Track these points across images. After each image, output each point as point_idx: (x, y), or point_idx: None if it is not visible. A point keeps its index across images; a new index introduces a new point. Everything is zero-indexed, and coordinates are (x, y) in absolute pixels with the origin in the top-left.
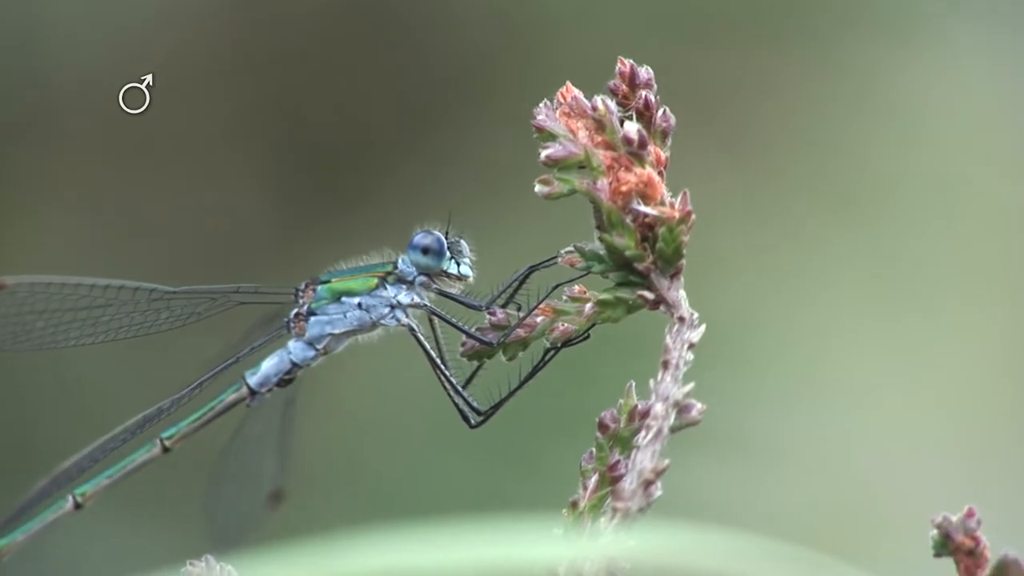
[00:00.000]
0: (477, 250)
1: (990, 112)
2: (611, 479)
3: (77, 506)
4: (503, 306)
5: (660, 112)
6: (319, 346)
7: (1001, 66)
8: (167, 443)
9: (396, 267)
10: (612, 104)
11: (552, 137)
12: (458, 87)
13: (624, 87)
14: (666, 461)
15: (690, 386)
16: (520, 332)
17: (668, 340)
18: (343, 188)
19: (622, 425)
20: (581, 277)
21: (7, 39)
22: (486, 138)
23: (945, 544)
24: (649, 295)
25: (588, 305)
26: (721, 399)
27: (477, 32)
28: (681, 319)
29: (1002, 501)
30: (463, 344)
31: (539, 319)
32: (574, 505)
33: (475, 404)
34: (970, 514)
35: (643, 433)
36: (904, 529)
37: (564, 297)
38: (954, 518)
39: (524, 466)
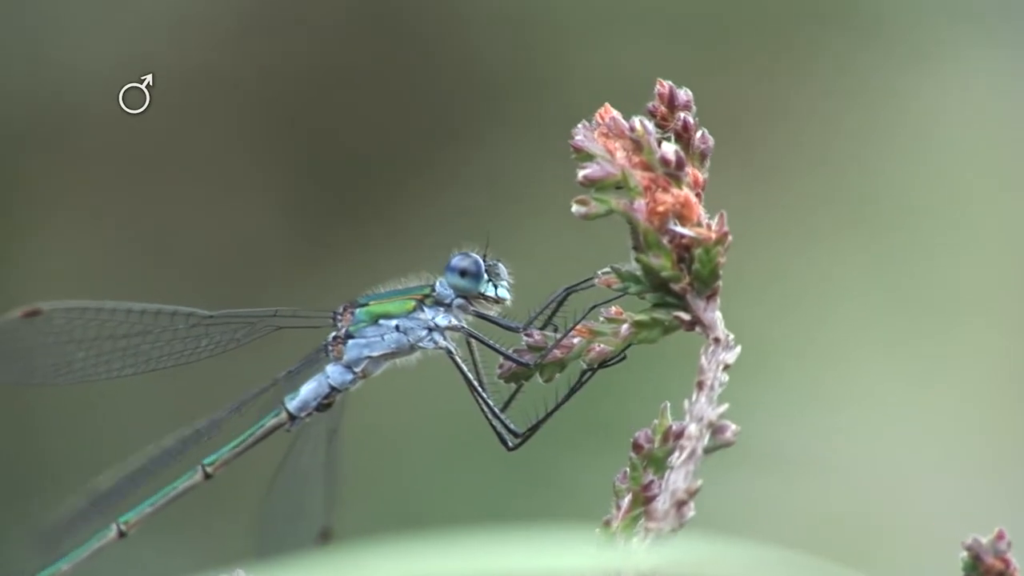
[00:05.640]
0: (514, 273)
1: (1004, 131)
2: (644, 499)
3: (121, 534)
4: (540, 328)
5: (699, 134)
6: (357, 369)
7: (1015, 86)
8: (208, 470)
9: (434, 290)
10: (650, 125)
11: (590, 157)
12: (473, 102)
13: (663, 108)
14: (699, 482)
15: (724, 407)
16: (557, 353)
17: (703, 361)
18: (357, 201)
19: (656, 445)
20: (618, 298)
21: (18, 49)
22: (500, 153)
23: (975, 566)
24: (685, 316)
25: (624, 326)
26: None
27: (492, 48)
28: (717, 340)
29: (1016, 514)
30: (500, 366)
31: (576, 340)
32: (607, 524)
33: (512, 426)
34: (1000, 536)
35: (677, 454)
36: (922, 542)
37: (601, 318)
38: (984, 540)
39: (539, 478)
